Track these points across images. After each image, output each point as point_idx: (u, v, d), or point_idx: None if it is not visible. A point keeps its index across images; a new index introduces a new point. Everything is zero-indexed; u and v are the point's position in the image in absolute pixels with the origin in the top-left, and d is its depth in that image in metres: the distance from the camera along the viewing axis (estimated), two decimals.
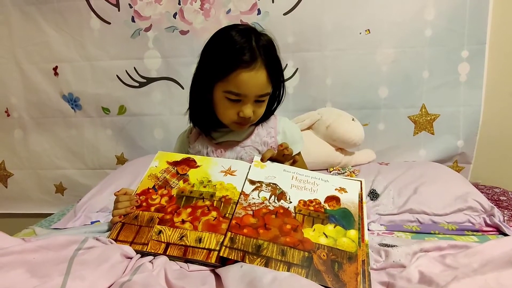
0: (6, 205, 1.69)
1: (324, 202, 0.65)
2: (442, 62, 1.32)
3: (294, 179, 0.70)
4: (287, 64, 1.39)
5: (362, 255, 0.57)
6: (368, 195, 1.03)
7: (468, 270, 0.51)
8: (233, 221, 0.60)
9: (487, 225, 0.88)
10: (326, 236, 0.59)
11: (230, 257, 0.55)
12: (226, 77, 0.73)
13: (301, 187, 0.68)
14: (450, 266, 0.54)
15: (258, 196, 0.65)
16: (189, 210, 0.64)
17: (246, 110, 0.76)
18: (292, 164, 0.78)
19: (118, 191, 0.71)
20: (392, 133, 1.41)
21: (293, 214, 0.62)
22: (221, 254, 0.56)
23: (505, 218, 0.91)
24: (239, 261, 0.54)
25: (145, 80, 1.48)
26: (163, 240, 0.60)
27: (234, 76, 0.73)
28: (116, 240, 0.61)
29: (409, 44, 1.32)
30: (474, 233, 0.85)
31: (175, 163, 0.74)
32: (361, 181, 0.71)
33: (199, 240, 0.59)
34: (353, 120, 1.30)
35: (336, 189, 0.68)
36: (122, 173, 1.31)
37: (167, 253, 0.58)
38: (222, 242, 0.57)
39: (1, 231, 0.56)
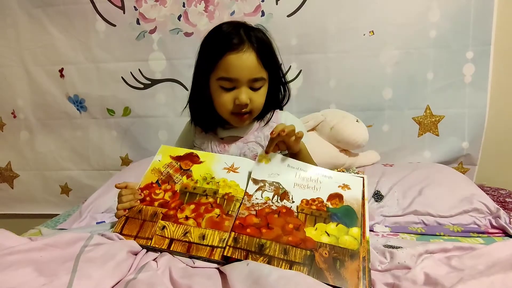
0: (12, 206, 1.71)
1: (327, 200, 0.65)
2: (446, 63, 1.32)
3: (297, 176, 0.70)
4: (290, 66, 1.39)
5: (363, 252, 0.57)
6: (373, 197, 1.03)
7: (474, 272, 0.51)
8: (237, 221, 0.61)
9: (492, 227, 0.87)
10: (328, 234, 0.59)
11: (234, 256, 0.56)
12: (217, 64, 0.75)
13: (304, 185, 0.68)
14: (456, 267, 0.54)
15: (261, 197, 0.66)
16: (192, 206, 0.65)
17: (241, 95, 0.75)
18: (295, 142, 0.74)
19: (119, 184, 0.72)
20: (397, 134, 1.40)
21: (296, 214, 0.63)
22: (225, 254, 0.56)
23: (511, 220, 0.90)
24: (242, 260, 0.54)
25: (149, 82, 1.49)
26: (167, 236, 0.61)
27: (223, 62, 0.74)
28: (120, 234, 0.62)
29: (414, 46, 1.32)
30: (480, 235, 0.85)
31: (178, 158, 0.75)
32: (363, 178, 0.70)
33: (203, 237, 0.60)
34: (357, 121, 1.30)
35: (339, 186, 0.68)
36: (126, 174, 1.32)
37: (171, 249, 0.59)
38: (227, 242, 0.58)
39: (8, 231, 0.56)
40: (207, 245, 0.58)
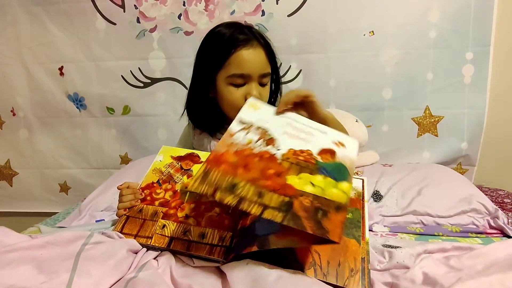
0: (11, 204, 1.71)
1: (317, 154, 0.59)
2: (446, 64, 1.32)
3: (288, 126, 0.63)
4: (290, 66, 1.39)
5: (362, 253, 0.56)
6: (372, 197, 1.03)
7: (473, 272, 0.51)
8: (211, 155, 0.55)
9: (491, 227, 0.87)
10: (313, 185, 0.54)
11: (198, 192, 0.50)
12: (227, 60, 0.75)
13: (294, 135, 0.62)
14: (454, 267, 0.54)
15: (244, 137, 0.59)
16: (192, 205, 0.65)
17: (252, 90, 0.76)
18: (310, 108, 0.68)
19: (121, 185, 0.72)
20: (396, 134, 1.41)
21: (279, 161, 0.56)
22: (189, 189, 0.51)
23: (509, 220, 0.90)
24: (209, 195, 0.50)
25: (149, 81, 1.49)
26: (167, 234, 0.61)
27: (234, 58, 0.75)
28: (121, 233, 0.62)
29: (413, 46, 1.32)
30: (478, 235, 0.85)
31: (179, 158, 0.75)
32: (363, 180, 0.69)
33: (203, 235, 0.60)
34: (356, 121, 1.30)
35: (334, 143, 0.62)
36: (126, 173, 1.32)
37: (170, 247, 0.59)
38: (195, 175, 0.52)
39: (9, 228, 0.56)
40: (206, 244, 0.58)
